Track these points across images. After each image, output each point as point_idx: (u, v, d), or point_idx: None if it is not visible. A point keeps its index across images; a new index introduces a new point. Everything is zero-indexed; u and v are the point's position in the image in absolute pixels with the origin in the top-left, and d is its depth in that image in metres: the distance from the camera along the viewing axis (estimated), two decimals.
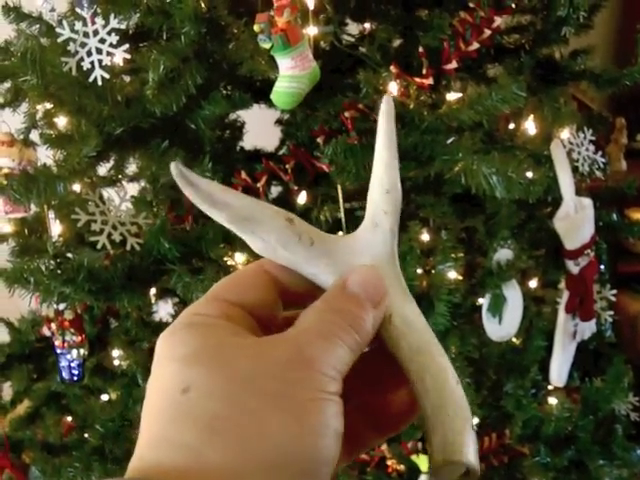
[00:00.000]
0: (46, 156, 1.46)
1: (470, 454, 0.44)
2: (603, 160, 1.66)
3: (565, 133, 1.59)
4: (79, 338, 1.50)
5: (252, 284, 0.46)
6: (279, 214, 0.46)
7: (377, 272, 0.47)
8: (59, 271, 1.32)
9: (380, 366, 0.49)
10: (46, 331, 1.59)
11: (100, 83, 1.29)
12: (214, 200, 0.45)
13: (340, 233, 1.50)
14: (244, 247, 1.40)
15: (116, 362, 1.75)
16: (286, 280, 0.47)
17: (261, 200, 0.47)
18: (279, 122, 1.78)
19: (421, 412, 0.46)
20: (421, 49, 1.38)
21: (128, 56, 1.29)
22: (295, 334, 0.42)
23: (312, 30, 1.33)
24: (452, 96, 1.41)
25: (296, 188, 1.40)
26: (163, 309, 1.75)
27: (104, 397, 1.79)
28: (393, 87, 1.35)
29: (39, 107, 1.52)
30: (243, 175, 1.36)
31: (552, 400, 1.72)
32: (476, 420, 1.53)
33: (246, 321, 0.44)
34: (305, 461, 0.39)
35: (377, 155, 0.49)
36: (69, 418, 1.85)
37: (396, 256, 0.49)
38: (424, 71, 1.36)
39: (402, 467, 1.60)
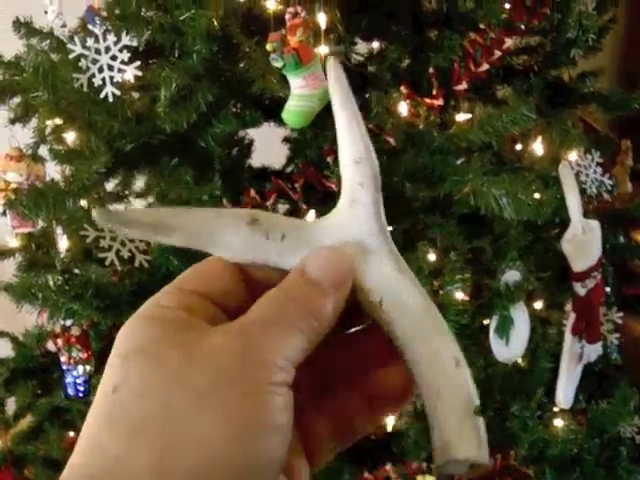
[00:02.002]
0: (55, 172, 1.46)
1: (471, 449, 0.41)
2: (611, 182, 1.66)
3: (573, 155, 1.59)
4: (85, 354, 1.50)
5: (217, 274, 0.43)
6: (241, 218, 0.43)
7: (339, 252, 0.43)
8: (67, 287, 1.31)
9: (369, 344, 0.45)
10: (51, 346, 1.59)
11: (111, 99, 1.30)
12: (158, 227, 0.41)
13: None
14: None
15: None
16: (253, 270, 0.43)
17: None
18: (287, 140, 1.78)
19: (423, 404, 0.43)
20: (431, 70, 1.38)
21: (139, 73, 1.30)
22: (241, 323, 0.39)
23: (323, 49, 1.33)
24: (461, 117, 1.41)
25: (305, 207, 1.40)
26: None
27: None
28: (403, 107, 1.35)
29: (49, 122, 1.52)
30: (252, 194, 1.36)
31: (558, 422, 1.71)
32: None
33: (209, 312, 0.41)
34: (238, 465, 0.35)
35: (336, 123, 0.45)
36: (72, 433, 1.84)
37: (385, 230, 0.45)
38: (434, 92, 1.37)
39: None
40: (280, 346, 0.38)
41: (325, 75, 1.24)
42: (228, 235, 0.42)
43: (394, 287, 0.43)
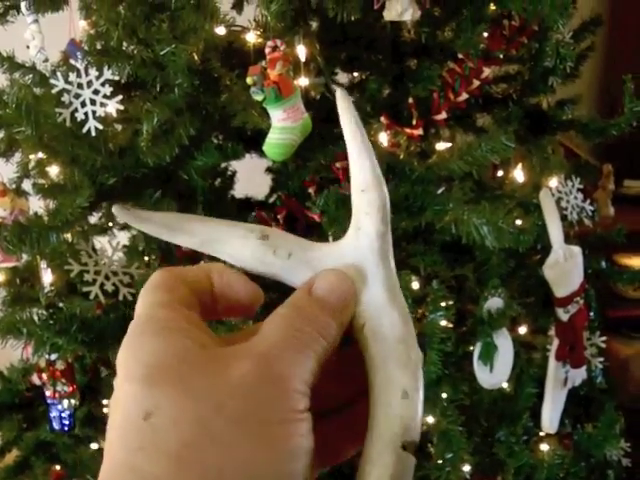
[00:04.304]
0: (38, 206, 1.46)
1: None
2: (591, 208, 1.67)
3: (554, 181, 1.60)
4: (70, 388, 1.50)
5: (197, 274, 0.44)
6: (253, 231, 0.45)
7: (344, 276, 0.44)
8: (51, 321, 1.31)
9: (355, 366, 0.45)
10: (36, 380, 1.58)
11: (94, 134, 1.30)
12: (170, 228, 0.44)
13: None
14: None
15: (107, 411, 1.74)
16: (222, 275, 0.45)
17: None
18: (269, 170, 1.79)
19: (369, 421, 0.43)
20: (411, 100, 1.40)
21: (122, 107, 1.30)
22: (262, 346, 0.40)
23: (303, 81, 1.34)
24: (441, 146, 1.43)
25: None
26: None
27: (94, 446, 1.77)
28: (383, 137, 1.36)
29: (32, 157, 1.53)
30: None
31: (544, 447, 1.71)
32: (468, 467, 1.52)
33: (197, 308, 0.43)
34: None
35: (348, 152, 0.47)
36: (58, 467, 1.83)
37: (388, 258, 0.45)
38: (414, 121, 1.38)
39: None
40: (300, 371, 0.39)
41: (305, 107, 1.26)
42: (238, 246, 0.44)
43: (378, 315, 0.44)
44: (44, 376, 1.50)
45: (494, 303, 1.48)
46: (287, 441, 0.37)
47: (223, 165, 1.66)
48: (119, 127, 1.46)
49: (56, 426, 1.53)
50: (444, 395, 1.47)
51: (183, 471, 0.36)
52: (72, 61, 1.33)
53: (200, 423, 0.36)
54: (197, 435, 0.36)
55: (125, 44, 1.40)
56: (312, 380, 0.40)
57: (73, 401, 1.51)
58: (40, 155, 1.46)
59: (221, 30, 1.35)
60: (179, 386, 0.38)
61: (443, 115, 1.40)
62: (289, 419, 0.38)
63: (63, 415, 1.52)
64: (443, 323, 1.39)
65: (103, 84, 1.30)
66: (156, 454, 0.36)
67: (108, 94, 1.30)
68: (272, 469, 0.37)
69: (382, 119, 1.37)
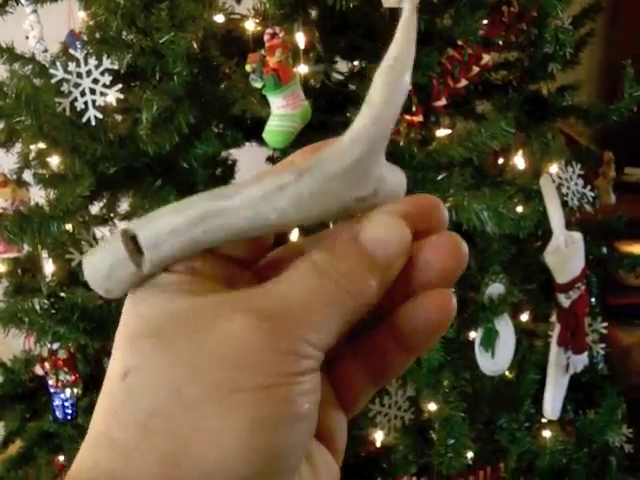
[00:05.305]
0: (39, 196, 1.47)
1: None
2: (592, 194, 1.67)
3: (554, 168, 1.60)
4: (73, 377, 1.50)
5: None
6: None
7: (400, 223, 0.35)
8: (53, 311, 1.32)
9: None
10: (39, 370, 1.59)
11: (93, 123, 1.30)
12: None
13: None
14: None
15: None
16: None
17: None
18: (270, 159, 1.79)
19: None
20: (410, 87, 1.39)
21: (121, 96, 1.30)
22: (271, 297, 0.34)
23: (303, 69, 1.34)
24: (441, 132, 1.43)
25: None
26: None
27: None
28: None
29: (32, 147, 1.53)
30: None
31: (546, 433, 1.72)
32: (470, 454, 1.53)
33: (220, 271, 0.36)
34: (254, 466, 0.32)
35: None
36: (61, 458, 1.83)
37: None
38: (414, 108, 1.38)
39: None
40: (311, 334, 0.33)
41: (304, 95, 1.26)
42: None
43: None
44: (47, 365, 1.50)
45: (495, 289, 1.48)
46: (271, 407, 0.32)
47: (223, 154, 1.66)
48: (119, 118, 1.47)
49: (59, 415, 1.54)
50: (446, 382, 1.47)
51: (148, 442, 0.32)
52: (71, 51, 1.33)
53: (174, 388, 0.32)
54: (169, 402, 0.32)
55: (124, 33, 1.39)
56: (329, 342, 0.34)
57: (76, 390, 1.52)
58: (40, 145, 1.46)
59: (220, 18, 1.35)
60: (160, 344, 0.33)
61: (443, 101, 1.40)
62: (277, 384, 0.32)
63: (66, 404, 1.52)
64: None
65: (102, 73, 1.30)
66: (127, 420, 0.33)
67: (107, 83, 1.30)
68: (247, 441, 0.31)
69: None
